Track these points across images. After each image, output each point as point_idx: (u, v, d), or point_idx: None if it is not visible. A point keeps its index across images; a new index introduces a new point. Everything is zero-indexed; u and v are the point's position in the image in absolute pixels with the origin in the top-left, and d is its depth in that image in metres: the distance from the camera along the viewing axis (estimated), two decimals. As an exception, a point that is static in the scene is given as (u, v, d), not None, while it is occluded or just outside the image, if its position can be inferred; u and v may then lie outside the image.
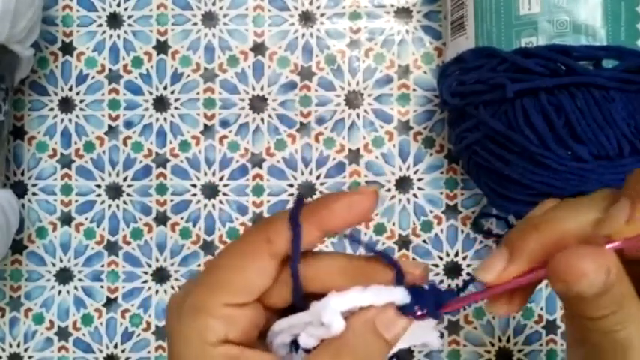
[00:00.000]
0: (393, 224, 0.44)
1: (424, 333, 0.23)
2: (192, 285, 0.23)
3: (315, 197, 0.44)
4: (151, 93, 0.45)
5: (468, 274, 0.42)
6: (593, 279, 0.18)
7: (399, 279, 0.22)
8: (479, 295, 0.22)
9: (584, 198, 0.20)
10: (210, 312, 0.22)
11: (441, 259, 0.44)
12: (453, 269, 0.44)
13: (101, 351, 0.45)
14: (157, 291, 0.45)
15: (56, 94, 0.45)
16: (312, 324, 0.22)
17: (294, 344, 0.23)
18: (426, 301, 0.22)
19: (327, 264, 0.23)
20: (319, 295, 0.22)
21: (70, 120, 0.45)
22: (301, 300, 0.23)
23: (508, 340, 0.43)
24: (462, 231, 0.44)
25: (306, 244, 0.22)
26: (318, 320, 0.22)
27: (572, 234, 0.20)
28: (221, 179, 0.44)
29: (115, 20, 0.45)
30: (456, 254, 0.44)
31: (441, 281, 0.43)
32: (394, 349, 0.22)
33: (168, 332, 0.23)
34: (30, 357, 0.45)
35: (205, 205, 0.44)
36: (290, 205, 0.44)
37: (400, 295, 0.22)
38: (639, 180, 0.19)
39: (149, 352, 0.45)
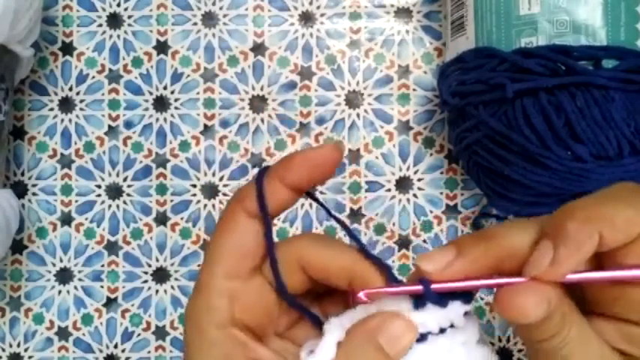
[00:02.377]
0: (393, 224, 0.44)
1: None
2: None
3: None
4: (151, 93, 0.45)
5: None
6: (533, 313, 0.19)
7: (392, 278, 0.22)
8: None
9: (537, 218, 0.21)
10: (213, 288, 0.22)
11: (441, 259, 0.44)
12: (453, 269, 0.44)
13: (101, 351, 0.45)
14: (157, 291, 0.45)
15: (56, 94, 0.45)
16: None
17: None
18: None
19: (332, 256, 0.23)
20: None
21: (70, 120, 0.45)
22: (274, 256, 0.23)
23: (508, 340, 0.43)
24: (462, 231, 0.44)
25: (275, 201, 0.23)
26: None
27: (517, 252, 0.20)
28: (221, 179, 0.44)
29: (115, 20, 0.45)
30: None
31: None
32: None
33: (184, 325, 0.23)
34: (30, 357, 0.45)
35: (205, 205, 0.44)
36: (292, 207, 0.44)
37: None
38: (562, 219, 0.20)
39: (149, 352, 0.45)
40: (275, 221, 0.44)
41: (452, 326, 0.22)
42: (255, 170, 0.44)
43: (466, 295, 0.21)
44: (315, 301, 0.25)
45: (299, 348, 0.23)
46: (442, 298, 0.21)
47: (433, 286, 0.20)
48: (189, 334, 0.23)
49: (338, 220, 0.25)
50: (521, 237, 0.20)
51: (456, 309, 0.21)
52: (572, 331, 0.20)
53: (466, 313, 0.22)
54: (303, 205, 0.44)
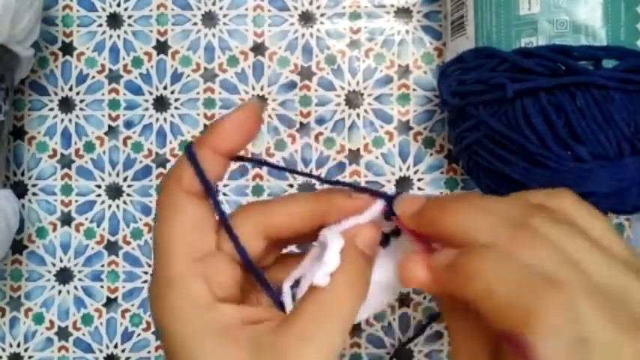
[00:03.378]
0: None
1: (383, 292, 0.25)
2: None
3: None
4: (151, 93, 0.45)
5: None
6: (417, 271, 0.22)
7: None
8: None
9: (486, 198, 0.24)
10: (185, 277, 0.22)
11: (441, 259, 0.44)
12: (453, 269, 0.44)
13: (101, 351, 0.45)
14: (156, 291, 0.45)
15: (56, 94, 0.45)
16: (318, 260, 0.24)
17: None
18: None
19: (289, 209, 0.24)
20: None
21: (70, 120, 0.45)
22: (228, 224, 0.23)
23: (508, 340, 0.43)
24: (462, 231, 0.44)
25: (213, 173, 0.23)
26: (323, 244, 0.24)
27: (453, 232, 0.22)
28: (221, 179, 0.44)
29: (115, 20, 0.45)
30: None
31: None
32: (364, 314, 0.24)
33: (159, 328, 0.23)
34: (30, 357, 0.45)
35: (205, 205, 0.44)
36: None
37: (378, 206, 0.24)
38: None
39: (149, 352, 0.45)
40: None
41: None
42: (256, 170, 0.44)
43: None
44: (274, 264, 0.26)
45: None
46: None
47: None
48: (179, 334, 0.22)
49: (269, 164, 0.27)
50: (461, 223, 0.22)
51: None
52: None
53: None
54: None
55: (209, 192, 0.23)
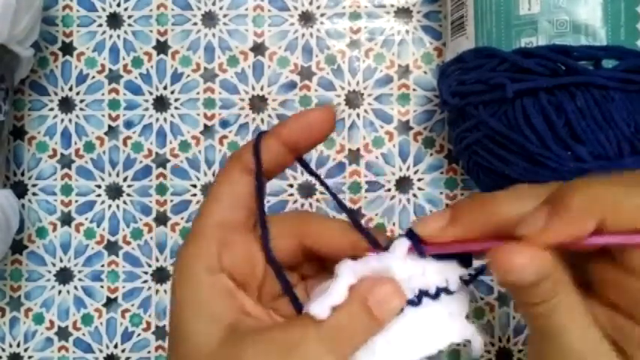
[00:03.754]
0: (393, 224, 0.44)
1: (459, 329, 0.23)
2: None
3: (315, 197, 0.44)
4: (151, 93, 0.45)
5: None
6: (525, 273, 0.19)
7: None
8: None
9: (534, 186, 0.21)
10: (203, 234, 0.23)
11: (441, 259, 0.44)
12: (453, 269, 0.44)
13: (101, 351, 0.45)
14: (157, 291, 0.45)
15: (56, 94, 0.45)
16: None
17: None
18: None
19: (328, 225, 0.24)
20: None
21: (70, 120, 0.45)
22: (263, 214, 0.24)
23: (508, 340, 0.43)
24: (462, 231, 0.44)
25: (270, 157, 0.23)
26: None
27: (512, 219, 0.20)
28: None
29: (115, 20, 0.45)
30: (456, 254, 0.44)
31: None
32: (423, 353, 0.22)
33: (173, 272, 0.24)
34: (30, 357, 0.45)
35: (205, 205, 0.44)
36: (291, 207, 0.44)
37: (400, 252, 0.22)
38: (568, 191, 0.20)
39: (149, 352, 0.45)
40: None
41: (447, 291, 0.22)
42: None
43: (464, 258, 0.22)
44: (300, 281, 0.26)
45: (280, 318, 0.24)
46: (439, 256, 0.22)
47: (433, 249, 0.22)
48: (177, 279, 0.23)
49: (326, 187, 0.25)
50: (516, 206, 0.21)
51: (451, 267, 0.22)
52: (562, 301, 0.20)
53: (463, 282, 0.22)
54: (296, 201, 0.44)
55: (258, 174, 0.23)
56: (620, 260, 0.20)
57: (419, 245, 0.22)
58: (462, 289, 0.23)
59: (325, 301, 0.21)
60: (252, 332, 0.21)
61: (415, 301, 0.22)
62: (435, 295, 0.22)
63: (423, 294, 0.22)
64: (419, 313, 0.22)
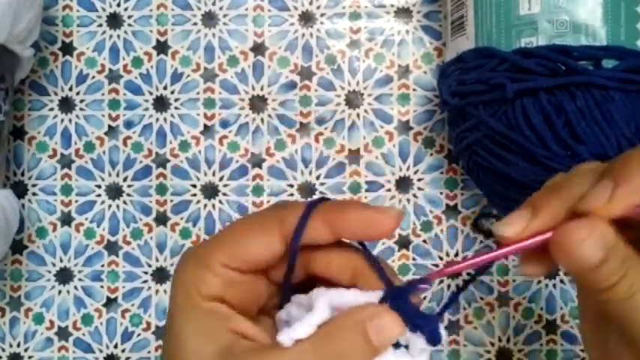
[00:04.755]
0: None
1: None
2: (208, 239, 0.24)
3: (314, 197, 0.44)
4: (151, 93, 0.45)
5: (468, 273, 0.42)
6: (588, 246, 0.19)
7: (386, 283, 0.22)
8: (485, 258, 0.21)
9: (597, 164, 0.21)
10: (210, 267, 0.22)
11: (441, 259, 0.44)
12: (453, 269, 0.44)
13: (101, 351, 0.45)
14: (157, 291, 0.45)
15: (56, 94, 0.45)
16: (303, 308, 0.22)
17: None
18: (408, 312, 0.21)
19: (337, 255, 0.23)
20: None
21: (70, 120, 0.45)
22: (289, 280, 0.23)
23: (508, 340, 0.43)
24: (462, 231, 0.44)
25: (311, 239, 0.22)
26: (309, 305, 0.22)
27: (590, 205, 0.20)
28: (221, 179, 0.44)
29: (115, 20, 0.45)
30: (456, 254, 0.44)
31: (441, 281, 0.44)
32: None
33: (172, 277, 0.23)
34: (30, 357, 0.45)
35: (205, 205, 0.44)
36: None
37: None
38: (627, 163, 0.20)
39: (149, 352, 0.45)
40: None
41: (407, 348, 0.22)
42: (256, 170, 0.44)
43: (434, 336, 0.21)
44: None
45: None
46: (414, 324, 0.21)
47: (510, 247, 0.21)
48: (176, 296, 0.23)
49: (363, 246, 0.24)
50: (587, 182, 0.20)
51: (418, 340, 0.22)
52: (638, 277, 0.20)
53: (424, 353, 0.22)
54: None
55: (292, 247, 0.22)
56: None
57: (417, 286, 0.22)
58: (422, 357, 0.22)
59: (291, 333, 0.21)
60: (245, 354, 0.21)
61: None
62: (396, 346, 0.22)
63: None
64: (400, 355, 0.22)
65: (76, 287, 0.45)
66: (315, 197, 0.23)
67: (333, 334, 0.21)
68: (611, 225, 0.20)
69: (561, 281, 0.43)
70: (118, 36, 0.45)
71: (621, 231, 0.20)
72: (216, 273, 0.22)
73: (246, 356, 0.21)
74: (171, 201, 0.45)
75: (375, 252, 0.41)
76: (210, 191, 0.44)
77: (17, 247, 0.45)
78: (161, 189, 0.45)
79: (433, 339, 0.21)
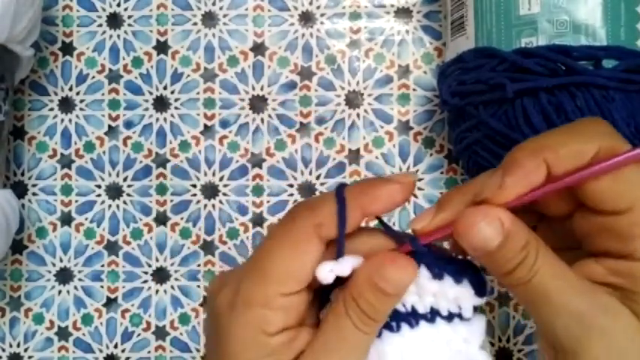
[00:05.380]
0: (393, 224, 0.44)
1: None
2: (236, 276, 0.23)
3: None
4: (151, 93, 0.45)
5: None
6: (482, 229, 0.21)
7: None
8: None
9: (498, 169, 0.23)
10: (267, 305, 0.22)
11: (441, 259, 0.44)
12: (453, 269, 0.44)
13: (101, 351, 0.45)
14: (157, 291, 0.45)
15: (56, 94, 0.45)
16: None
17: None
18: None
19: (364, 241, 0.24)
20: None
21: (70, 120, 0.45)
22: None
23: (508, 340, 0.43)
24: (462, 231, 0.44)
25: (351, 228, 0.23)
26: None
27: (484, 195, 0.22)
28: (221, 179, 0.44)
29: (115, 20, 0.45)
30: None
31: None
32: None
33: (217, 330, 0.23)
34: (30, 357, 0.45)
35: (205, 205, 0.44)
36: (291, 207, 0.44)
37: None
38: (513, 154, 0.22)
39: (149, 352, 0.45)
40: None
41: (460, 317, 0.22)
42: (256, 170, 0.44)
43: (480, 288, 0.22)
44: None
45: None
46: (457, 274, 0.22)
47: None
48: (233, 347, 0.22)
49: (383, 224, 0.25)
50: (486, 177, 0.22)
51: (466, 294, 0.22)
52: (538, 259, 0.21)
53: (476, 310, 0.23)
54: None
55: (339, 246, 0.23)
56: (592, 204, 0.21)
57: (416, 243, 0.22)
58: (477, 318, 0.23)
59: (332, 265, 0.22)
60: None
61: (428, 317, 0.22)
62: (449, 318, 0.23)
63: (435, 313, 0.23)
64: (433, 331, 0.22)
65: (76, 287, 0.45)
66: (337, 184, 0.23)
67: (355, 296, 0.22)
68: (508, 212, 0.21)
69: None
70: (118, 36, 0.45)
71: (541, 221, 0.23)
72: (276, 308, 0.22)
73: None
74: (171, 201, 0.45)
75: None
76: (210, 191, 0.44)
77: (17, 247, 0.45)
78: (161, 189, 0.45)
79: (473, 283, 0.22)
